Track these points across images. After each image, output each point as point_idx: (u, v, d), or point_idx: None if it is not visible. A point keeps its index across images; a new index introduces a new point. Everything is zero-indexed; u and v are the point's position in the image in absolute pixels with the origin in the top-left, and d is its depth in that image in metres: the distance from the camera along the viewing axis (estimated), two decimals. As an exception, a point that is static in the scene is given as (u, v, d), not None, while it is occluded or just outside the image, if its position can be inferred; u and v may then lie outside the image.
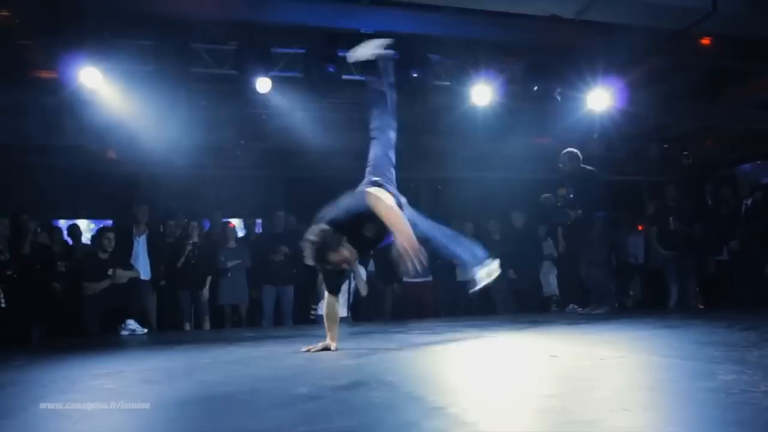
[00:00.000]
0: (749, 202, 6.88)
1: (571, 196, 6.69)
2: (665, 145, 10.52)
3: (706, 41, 7.17)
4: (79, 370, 3.32)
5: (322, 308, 6.58)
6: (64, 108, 7.31)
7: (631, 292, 8.26)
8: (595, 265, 6.42)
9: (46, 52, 6.18)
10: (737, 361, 2.42)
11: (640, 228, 8.59)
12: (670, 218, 7.29)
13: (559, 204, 7.00)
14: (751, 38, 6.63)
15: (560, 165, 6.65)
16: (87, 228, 9.20)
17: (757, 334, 3.40)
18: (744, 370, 2.17)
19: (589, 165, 6.65)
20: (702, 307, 7.41)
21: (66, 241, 7.49)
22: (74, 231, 7.81)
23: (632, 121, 8.49)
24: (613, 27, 6.52)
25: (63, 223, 8.54)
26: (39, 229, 6.89)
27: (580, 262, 6.66)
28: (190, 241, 7.14)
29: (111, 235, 6.51)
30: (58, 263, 6.64)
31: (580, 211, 6.48)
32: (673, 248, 7.16)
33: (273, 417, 1.86)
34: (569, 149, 6.65)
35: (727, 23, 6.25)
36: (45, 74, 6.60)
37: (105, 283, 6.21)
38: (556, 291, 8.13)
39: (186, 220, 7.46)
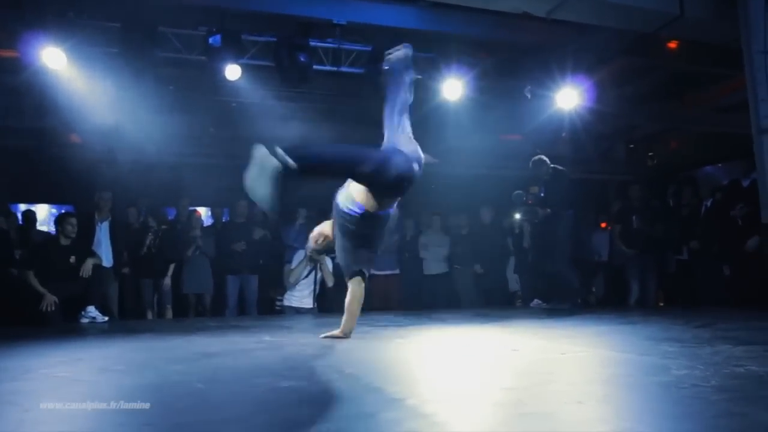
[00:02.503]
0: (709, 203, 7.05)
1: (542, 194, 6.76)
2: (631, 146, 10.72)
3: (672, 45, 7.31)
4: (35, 357, 3.24)
5: (289, 299, 6.60)
6: (24, 89, 7.09)
7: (593, 289, 8.41)
8: (560, 262, 6.51)
9: (6, 30, 5.98)
10: (690, 357, 2.49)
11: (603, 226, 8.74)
12: (634, 217, 7.43)
13: (530, 202, 7.08)
14: (715, 44, 6.78)
15: (535, 174, 6.68)
16: (47, 213, 8.98)
17: (710, 331, 3.50)
18: (696, 366, 2.23)
19: (557, 164, 6.72)
20: (662, 304, 7.59)
21: (22, 227, 7.28)
22: (29, 217, 7.59)
23: (600, 121, 8.63)
24: (583, 27, 6.60)
25: (23, 208, 8.31)
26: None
27: (546, 258, 6.73)
28: (152, 229, 7.01)
29: (73, 221, 6.34)
30: (18, 250, 6.44)
31: (549, 210, 6.56)
32: (635, 247, 7.31)
33: (231, 407, 1.84)
34: (537, 157, 6.69)
35: (694, 28, 6.38)
36: (5, 53, 6.39)
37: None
38: (523, 286, 8.21)
39: (147, 208, 7.33)
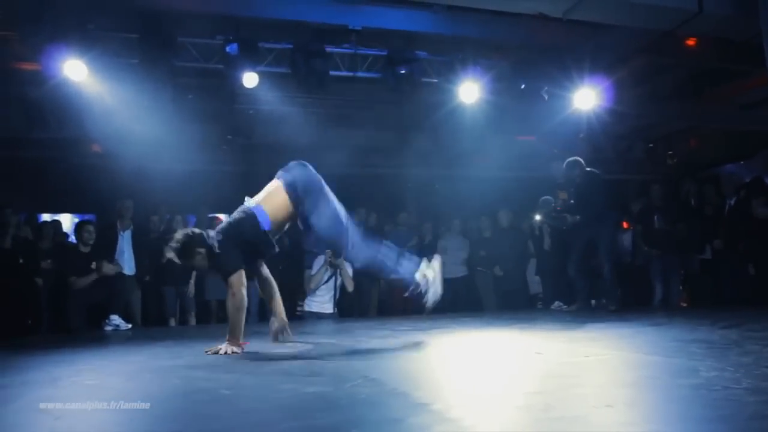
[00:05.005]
0: (733, 201, 6.94)
1: (572, 201, 6.59)
2: (650, 145, 10.61)
3: (691, 42, 7.23)
4: (62, 366, 3.28)
5: (309, 304, 6.62)
6: (47, 100, 7.21)
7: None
8: (607, 263, 6.27)
9: (28, 44, 6.09)
10: (719, 359, 2.45)
11: (626, 226, 8.63)
12: (655, 217, 7.34)
13: (558, 208, 6.90)
14: (735, 40, 6.69)
15: (567, 175, 6.52)
16: (70, 222, 9.10)
17: (738, 332, 3.44)
18: (725, 368, 2.19)
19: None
20: (686, 305, 7.47)
21: (57, 238, 7.37)
22: (55, 226, 7.70)
23: (618, 121, 8.54)
24: (600, 26, 6.55)
25: (47, 217, 8.43)
26: (23, 223, 6.80)
27: (568, 261, 6.60)
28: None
29: (91, 228, 6.44)
30: (47, 261, 6.53)
31: (578, 217, 6.44)
32: (657, 247, 7.21)
33: (256, 413, 1.85)
34: (573, 158, 6.51)
35: (713, 25, 6.30)
36: (28, 66, 6.51)
37: (91, 278, 6.14)
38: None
39: (168, 216, 7.40)
